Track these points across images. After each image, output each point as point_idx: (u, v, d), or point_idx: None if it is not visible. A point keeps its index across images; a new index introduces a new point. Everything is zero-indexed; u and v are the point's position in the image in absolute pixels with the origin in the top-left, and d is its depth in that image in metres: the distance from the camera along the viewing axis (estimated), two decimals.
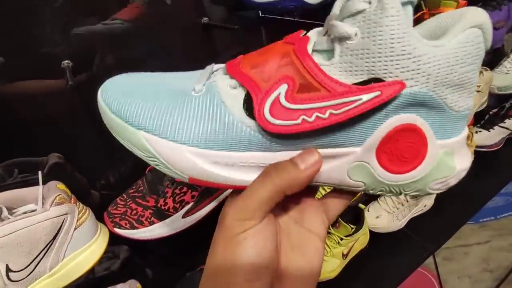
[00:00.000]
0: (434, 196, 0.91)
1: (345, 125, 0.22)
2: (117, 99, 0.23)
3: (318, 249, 0.25)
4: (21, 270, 0.36)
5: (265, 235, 0.22)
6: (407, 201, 0.89)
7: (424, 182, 0.24)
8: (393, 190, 0.25)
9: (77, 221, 0.41)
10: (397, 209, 0.90)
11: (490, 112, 0.96)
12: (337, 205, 0.27)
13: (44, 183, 0.41)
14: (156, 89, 0.24)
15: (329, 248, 0.84)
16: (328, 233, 0.84)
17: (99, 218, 0.46)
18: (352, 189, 0.25)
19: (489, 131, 0.95)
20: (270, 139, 0.23)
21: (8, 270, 0.35)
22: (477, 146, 0.94)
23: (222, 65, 0.25)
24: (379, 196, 0.92)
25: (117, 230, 0.46)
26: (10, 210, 0.39)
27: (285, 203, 0.26)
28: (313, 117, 0.21)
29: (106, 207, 0.52)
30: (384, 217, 0.89)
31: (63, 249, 0.39)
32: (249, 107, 0.22)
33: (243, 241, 0.21)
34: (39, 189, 0.40)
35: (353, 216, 0.86)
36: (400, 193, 0.25)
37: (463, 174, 0.25)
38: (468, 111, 0.23)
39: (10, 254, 0.35)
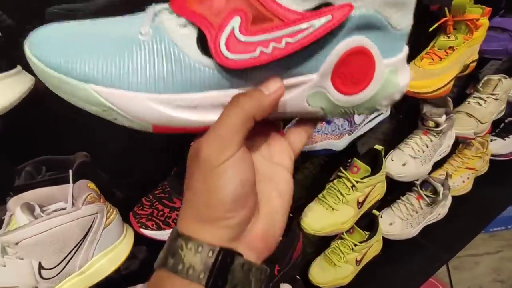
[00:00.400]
0: (448, 205, 0.90)
1: (301, 53, 0.22)
2: (54, 52, 0.21)
3: (287, 181, 0.26)
4: (53, 268, 0.36)
5: (243, 165, 0.22)
6: (422, 209, 0.88)
7: (373, 100, 0.25)
8: (348, 111, 0.26)
9: (106, 220, 0.41)
10: (411, 216, 0.89)
11: (506, 121, 0.95)
12: (300, 137, 0.28)
13: (72, 181, 0.41)
14: (97, 37, 0.22)
15: (343, 254, 0.83)
16: (342, 238, 0.84)
17: (123, 218, 0.46)
18: (312, 115, 0.26)
19: (505, 140, 0.94)
20: (230, 76, 0.22)
21: (40, 267, 0.35)
22: (491, 155, 0.94)
23: (165, 5, 0.23)
24: (393, 202, 0.91)
25: (143, 230, 0.46)
26: (41, 207, 0.39)
27: (253, 141, 0.26)
28: (270, 48, 0.21)
29: (128, 207, 0.52)
30: (397, 224, 0.88)
31: (92, 248, 0.40)
32: (204, 45, 0.21)
33: (223, 173, 0.21)
34: (69, 188, 0.40)
35: (367, 222, 0.85)
36: (353, 113, 0.26)
37: (405, 89, 0.26)
38: (408, 29, 0.24)
39: (43, 252, 0.35)
